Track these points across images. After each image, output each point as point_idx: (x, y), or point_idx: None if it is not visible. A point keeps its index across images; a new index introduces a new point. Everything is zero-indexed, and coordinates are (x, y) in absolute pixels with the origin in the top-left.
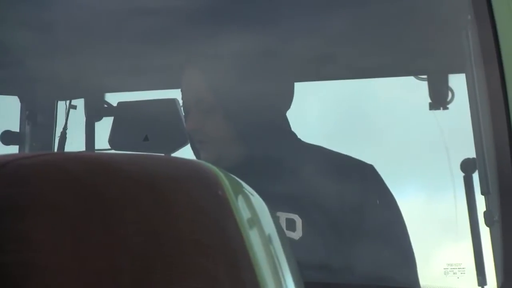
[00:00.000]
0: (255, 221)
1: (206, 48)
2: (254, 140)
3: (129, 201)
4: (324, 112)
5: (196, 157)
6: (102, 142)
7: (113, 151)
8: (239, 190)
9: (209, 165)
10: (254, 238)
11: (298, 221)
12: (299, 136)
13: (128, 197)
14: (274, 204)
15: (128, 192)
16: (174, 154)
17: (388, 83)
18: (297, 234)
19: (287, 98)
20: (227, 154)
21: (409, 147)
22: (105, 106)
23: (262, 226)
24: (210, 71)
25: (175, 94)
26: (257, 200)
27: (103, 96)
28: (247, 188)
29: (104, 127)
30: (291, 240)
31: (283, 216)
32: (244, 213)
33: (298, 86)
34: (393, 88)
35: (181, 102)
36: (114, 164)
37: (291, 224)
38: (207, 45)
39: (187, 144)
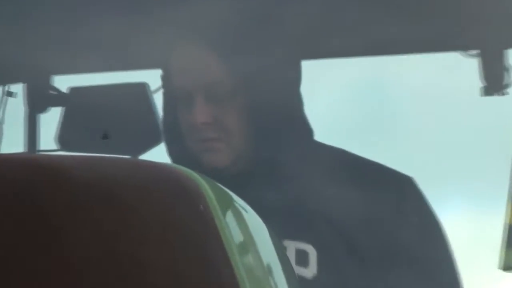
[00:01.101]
0: (248, 245)
1: (208, 14)
2: (268, 140)
3: (79, 218)
4: (338, 100)
5: (196, 162)
6: (47, 140)
7: (61, 153)
8: (227, 205)
9: (189, 171)
10: (247, 268)
11: (312, 253)
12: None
13: (77, 212)
14: (281, 228)
15: (78, 206)
16: (143, 157)
17: (424, 62)
18: (310, 271)
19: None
20: (241, 158)
21: (453, 148)
22: (52, 92)
23: (258, 252)
24: (223, 46)
25: (145, 76)
26: (252, 218)
27: (49, 80)
28: (239, 202)
29: (50, 121)
30: (301, 278)
31: (291, 245)
32: (234, 235)
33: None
34: (430, 68)
35: (157, 86)
36: (62, 169)
37: (302, 257)
38: (208, 10)
39: (160, 143)
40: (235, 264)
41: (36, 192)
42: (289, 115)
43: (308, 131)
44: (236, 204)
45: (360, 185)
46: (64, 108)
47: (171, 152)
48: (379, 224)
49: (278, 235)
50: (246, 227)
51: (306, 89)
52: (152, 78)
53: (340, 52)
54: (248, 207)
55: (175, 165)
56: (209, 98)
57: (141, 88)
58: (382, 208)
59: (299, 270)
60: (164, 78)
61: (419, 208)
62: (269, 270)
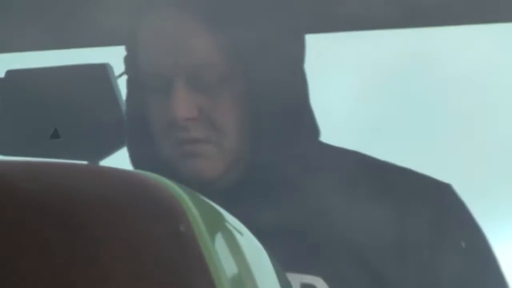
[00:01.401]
0: (244, 278)
1: None
2: (268, 140)
3: (23, 244)
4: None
5: (173, 173)
6: None
7: None
8: (216, 225)
9: (166, 181)
10: None
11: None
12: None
13: (20, 236)
14: (285, 257)
15: (22, 229)
16: (104, 163)
17: (474, 35)
18: None
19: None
20: (235, 166)
21: (505, 147)
22: None
23: (255, 284)
24: (211, 15)
25: (106, 56)
26: (249, 242)
27: None
28: (232, 221)
29: None
30: None
31: (296, 279)
32: (225, 265)
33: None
34: (482, 44)
35: (120, 69)
36: (1, 180)
37: None
38: None
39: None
40: None
41: None
42: (295, 109)
43: (316, 128)
44: (228, 225)
45: (385, 199)
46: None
47: (135, 159)
48: (411, 249)
49: (282, 265)
50: (241, 255)
51: (311, 74)
52: (116, 57)
53: (354, 23)
54: (243, 228)
55: (147, 173)
56: (193, 86)
57: (101, 71)
58: (414, 227)
59: None
60: (129, 59)
61: (462, 226)
62: None
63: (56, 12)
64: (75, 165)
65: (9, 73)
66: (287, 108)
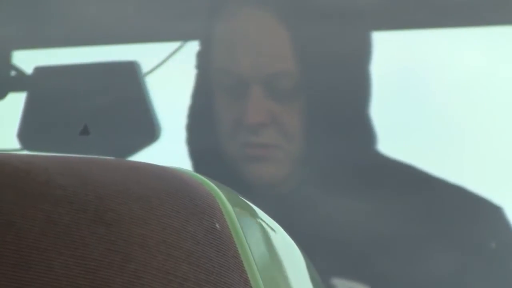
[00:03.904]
0: (278, 276)
1: None
2: (327, 149)
3: (59, 239)
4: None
5: (234, 174)
6: (6, 136)
7: (26, 153)
8: (251, 223)
9: (201, 177)
10: None
11: None
12: None
13: (56, 231)
14: (331, 263)
15: (58, 223)
16: (135, 158)
17: (462, 38)
18: None
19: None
20: (295, 173)
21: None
22: (13, 73)
23: (288, 282)
24: (294, 24)
25: (134, 53)
26: (282, 240)
27: (8, 57)
28: (265, 219)
29: (10, 110)
30: None
31: (343, 287)
32: (260, 263)
33: None
34: (470, 47)
35: (151, 67)
36: (34, 173)
37: None
38: None
39: (156, 140)
40: None
41: (0, 202)
42: (355, 117)
43: (373, 137)
44: (262, 222)
45: (437, 215)
46: (28, 93)
47: (194, 157)
48: (463, 267)
49: (329, 272)
50: (275, 252)
51: None
52: (143, 55)
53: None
54: (277, 226)
55: (183, 169)
56: (269, 92)
57: (129, 68)
58: (465, 249)
59: None
60: (203, 55)
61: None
62: None
63: (83, 10)
64: (111, 160)
65: (37, 69)
66: (348, 116)
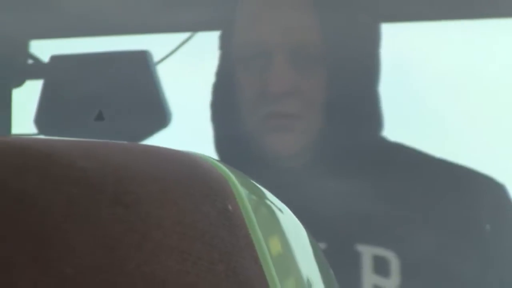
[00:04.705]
0: (286, 256)
1: None
2: (336, 127)
3: (79, 219)
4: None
5: (255, 145)
6: (23, 121)
7: (43, 137)
8: (260, 204)
9: (214, 161)
10: (283, 282)
11: (394, 262)
12: None
13: (78, 211)
14: (354, 230)
15: (80, 204)
16: (148, 143)
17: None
18: (392, 283)
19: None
20: (311, 146)
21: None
22: (30, 62)
23: (297, 264)
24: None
25: (144, 43)
26: (289, 221)
27: (26, 46)
28: (274, 200)
29: (27, 97)
30: None
31: (368, 252)
32: (269, 242)
33: None
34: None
35: (161, 56)
36: (56, 156)
37: (382, 266)
38: None
39: (167, 125)
40: (270, 278)
41: (24, 184)
42: (364, 101)
43: (379, 122)
44: (270, 203)
45: (446, 190)
46: (44, 81)
47: (218, 131)
48: (459, 237)
49: (352, 239)
50: (282, 232)
51: None
52: (155, 45)
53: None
54: (284, 207)
55: (197, 153)
56: (292, 62)
57: (141, 57)
58: (465, 220)
59: (379, 281)
60: (226, 35)
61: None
62: (308, 285)
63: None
64: (128, 144)
65: (53, 58)
66: (358, 99)
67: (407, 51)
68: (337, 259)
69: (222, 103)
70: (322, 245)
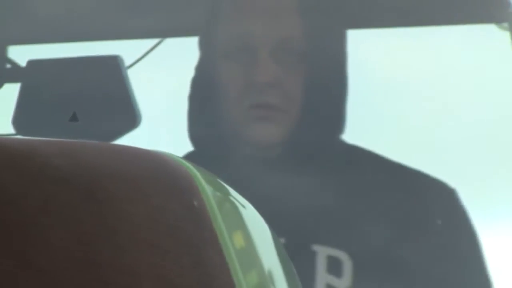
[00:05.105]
0: (248, 248)
1: None
2: (310, 122)
3: (54, 215)
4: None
5: (235, 135)
6: (1, 122)
7: (21, 137)
8: (224, 200)
9: (181, 160)
10: (246, 274)
11: (347, 262)
12: None
13: (52, 208)
14: (311, 231)
15: (54, 201)
16: (118, 142)
17: (449, 36)
18: (343, 283)
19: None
20: (287, 138)
21: (494, 147)
22: (8, 66)
23: (258, 256)
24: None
25: (116, 48)
26: (251, 215)
27: (4, 51)
28: (237, 197)
29: (5, 99)
30: None
31: (323, 252)
32: (232, 236)
33: None
34: (456, 43)
35: (131, 61)
36: (34, 156)
37: (335, 266)
38: None
39: (136, 126)
40: (233, 270)
41: (2, 181)
42: (332, 106)
43: (340, 127)
44: (234, 200)
45: (398, 194)
46: (21, 84)
47: (195, 125)
48: (410, 238)
49: (308, 239)
50: (245, 227)
51: None
52: (126, 50)
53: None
54: (246, 203)
55: (165, 152)
56: (276, 55)
57: (113, 62)
58: (415, 221)
59: (332, 281)
60: (208, 28)
61: (461, 226)
62: (270, 276)
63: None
64: (101, 144)
65: (30, 62)
66: (328, 98)
67: (363, 56)
68: (294, 256)
69: (200, 96)
70: (282, 240)
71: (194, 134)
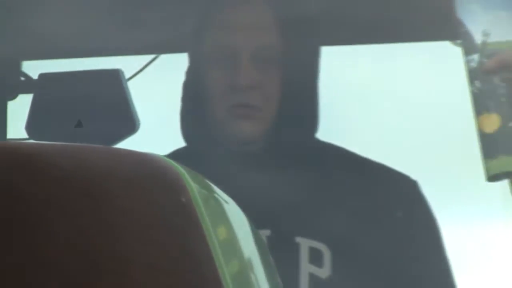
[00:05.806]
0: (230, 239)
1: None
2: (286, 123)
3: (57, 210)
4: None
5: (220, 132)
6: (16, 128)
7: (32, 141)
8: (209, 197)
9: (170, 161)
10: (229, 263)
11: (326, 253)
12: None
13: (56, 203)
14: (294, 224)
15: (57, 197)
16: (118, 146)
17: (406, 52)
18: (324, 271)
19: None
20: (266, 135)
21: (451, 149)
22: (22, 79)
23: (240, 246)
24: (279, 6)
25: (118, 63)
26: (233, 210)
27: (19, 65)
28: (220, 193)
29: (19, 108)
30: (316, 279)
31: (305, 243)
32: (216, 228)
33: None
34: (417, 58)
35: (131, 73)
36: (39, 156)
37: (316, 257)
38: None
39: (136, 131)
40: (217, 259)
41: (10, 180)
42: (307, 104)
43: (315, 126)
44: (217, 196)
45: (366, 186)
46: (34, 95)
47: (186, 123)
48: (379, 228)
49: (291, 232)
50: (228, 220)
51: None
52: (126, 65)
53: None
54: (229, 199)
55: (156, 154)
56: (256, 60)
57: (114, 75)
58: (384, 213)
59: (314, 270)
60: (195, 36)
61: (423, 217)
62: (250, 265)
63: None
64: (100, 147)
65: (41, 75)
66: (300, 105)
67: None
68: (280, 247)
69: (191, 98)
70: (267, 232)
71: (186, 131)
